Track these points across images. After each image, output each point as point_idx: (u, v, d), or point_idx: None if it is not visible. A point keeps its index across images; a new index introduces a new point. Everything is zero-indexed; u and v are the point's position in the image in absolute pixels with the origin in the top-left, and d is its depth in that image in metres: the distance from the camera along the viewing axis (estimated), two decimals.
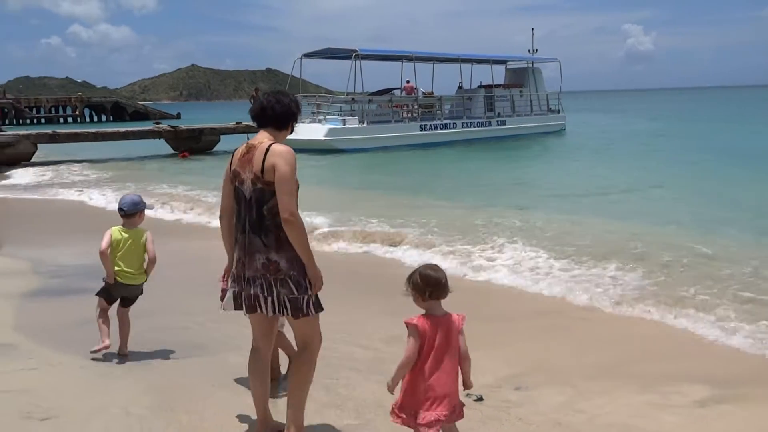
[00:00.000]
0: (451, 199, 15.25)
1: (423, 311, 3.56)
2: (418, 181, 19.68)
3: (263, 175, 3.76)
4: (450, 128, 32.73)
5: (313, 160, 24.79)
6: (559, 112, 39.82)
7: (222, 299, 4.21)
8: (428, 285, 3.51)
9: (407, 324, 3.51)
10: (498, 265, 8.73)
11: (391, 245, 10.14)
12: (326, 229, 11.08)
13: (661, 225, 11.36)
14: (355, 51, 30.56)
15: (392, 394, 3.58)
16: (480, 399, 4.73)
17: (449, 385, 3.50)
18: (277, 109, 3.94)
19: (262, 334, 4.04)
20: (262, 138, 3.90)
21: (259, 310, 3.87)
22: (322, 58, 33.74)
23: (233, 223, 3.97)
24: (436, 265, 3.72)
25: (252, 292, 3.84)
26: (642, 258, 8.71)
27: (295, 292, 3.80)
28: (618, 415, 4.58)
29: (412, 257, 9.32)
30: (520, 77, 38.46)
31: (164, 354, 5.69)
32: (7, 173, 22.36)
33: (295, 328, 3.96)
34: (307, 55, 32.36)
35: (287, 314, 3.84)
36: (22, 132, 26.86)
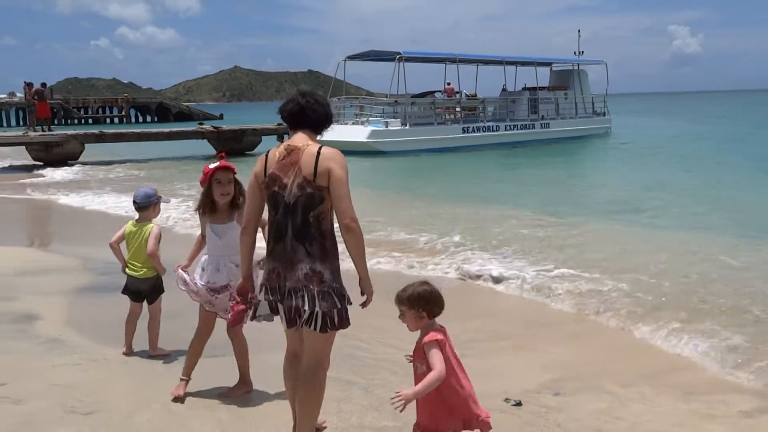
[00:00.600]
0: (492, 205, 14.73)
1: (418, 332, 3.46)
2: (459, 186, 19.05)
3: (315, 179, 3.55)
4: (493, 131, 32.51)
5: (354, 161, 24.55)
6: (604, 114, 39.35)
7: (240, 318, 4.20)
8: (435, 303, 3.43)
9: (431, 342, 3.34)
10: (532, 272, 8.53)
11: (426, 255, 9.86)
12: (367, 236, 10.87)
13: (699, 234, 11.10)
14: (398, 53, 30.64)
15: (401, 411, 3.31)
16: (519, 404, 4.69)
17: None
18: (318, 111, 3.78)
19: (300, 344, 3.80)
20: (303, 140, 3.69)
21: (299, 324, 3.64)
22: (366, 60, 33.89)
23: (255, 232, 3.81)
24: (427, 281, 3.61)
25: (294, 304, 3.60)
26: (679, 270, 8.53)
27: (338, 305, 3.59)
28: (660, 423, 4.50)
29: (443, 269, 9.14)
30: (565, 79, 38.08)
31: (205, 352, 5.76)
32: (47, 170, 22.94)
33: (312, 344, 3.68)
34: (351, 58, 32.55)
35: (317, 328, 3.59)
36: (71, 132, 27.51)
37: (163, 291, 5.74)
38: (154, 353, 5.67)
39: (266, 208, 3.79)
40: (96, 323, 6.61)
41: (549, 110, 35.68)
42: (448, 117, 32.41)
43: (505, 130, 33.12)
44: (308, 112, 3.76)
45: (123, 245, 5.71)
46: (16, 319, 6.72)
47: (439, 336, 3.37)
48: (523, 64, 37.08)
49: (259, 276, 3.90)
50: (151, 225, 5.66)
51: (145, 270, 5.62)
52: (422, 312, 3.41)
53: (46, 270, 8.98)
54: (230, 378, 5.02)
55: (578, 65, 38.43)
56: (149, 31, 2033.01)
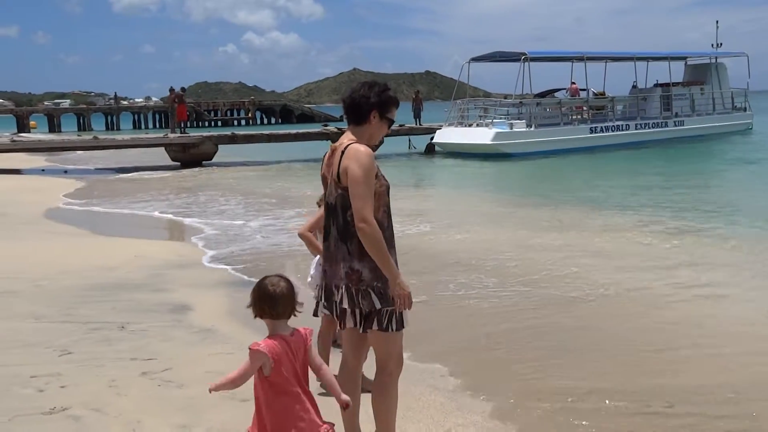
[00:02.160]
0: (627, 216, 13.18)
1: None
2: (586, 193, 17.04)
3: (339, 179, 3.48)
4: (622, 130, 31.31)
5: (476, 164, 24.77)
6: (745, 110, 37.12)
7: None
8: (264, 301, 3.03)
9: (251, 350, 2.96)
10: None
11: None
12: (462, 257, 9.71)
13: None
14: (524, 54, 30.19)
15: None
16: None
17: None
18: (347, 102, 3.62)
19: (351, 347, 3.75)
20: (345, 137, 3.59)
21: (345, 323, 3.60)
22: (491, 61, 33.52)
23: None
24: (280, 276, 3.12)
25: (338, 302, 3.57)
26: None
27: (378, 305, 3.46)
28: None
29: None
30: (702, 74, 36.21)
31: None
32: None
33: (375, 344, 3.62)
34: (476, 59, 32.36)
35: (362, 328, 3.54)
36: (205, 134, 29.05)
37: None
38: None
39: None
40: (245, 314, 7.00)
41: (683, 107, 34.03)
42: (574, 117, 31.61)
43: (636, 129, 31.85)
44: (345, 104, 3.65)
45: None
46: (172, 309, 7.25)
47: (262, 345, 2.97)
48: (655, 59, 35.55)
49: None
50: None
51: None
52: (256, 309, 3.05)
53: (194, 264, 9.62)
54: None
55: (716, 58, 36.48)
56: (274, 36, 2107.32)
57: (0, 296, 7.59)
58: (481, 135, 27.38)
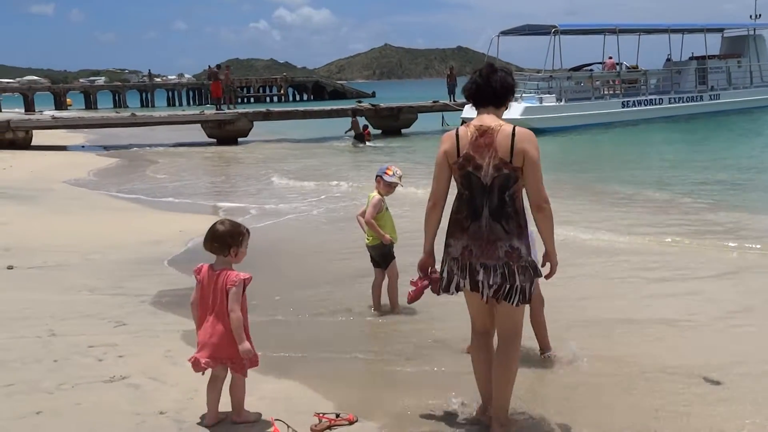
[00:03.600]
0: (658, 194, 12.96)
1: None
2: (617, 171, 16.52)
3: (512, 160, 3.64)
4: (655, 104, 30.91)
5: None
6: None
7: (421, 293, 4.18)
8: (206, 235, 3.95)
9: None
10: None
11: None
12: None
13: None
14: (554, 27, 29.77)
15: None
16: None
17: (214, 335, 3.87)
18: (495, 86, 3.78)
19: (490, 319, 3.92)
20: (493, 120, 3.75)
21: (498, 298, 3.73)
22: (520, 35, 33.16)
23: (442, 210, 3.86)
24: (225, 220, 4.03)
25: (491, 280, 3.69)
26: None
27: (533, 277, 3.75)
28: None
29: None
30: (739, 46, 35.40)
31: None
32: None
33: (509, 318, 3.81)
34: (505, 33, 32.01)
35: (515, 302, 3.72)
36: (241, 110, 29.24)
37: (393, 258, 6.17)
38: (394, 311, 6.18)
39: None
40: (284, 283, 7.17)
41: (719, 80, 33.41)
42: (606, 91, 31.19)
43: (669, 103, 31.39)
44: (487, 89, 3.80)
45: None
46: None
47: (199, 266, 4.04)
48: (691, 31, 34.87)
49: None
50: (373, 194, 6.13)
51: (371, 238, 6.14)
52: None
53: None
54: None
55: (754, 30, 35.61)
56: (305, 12, 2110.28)
57: (54, 269, 7.86)
58: (510, 110, 26.88)
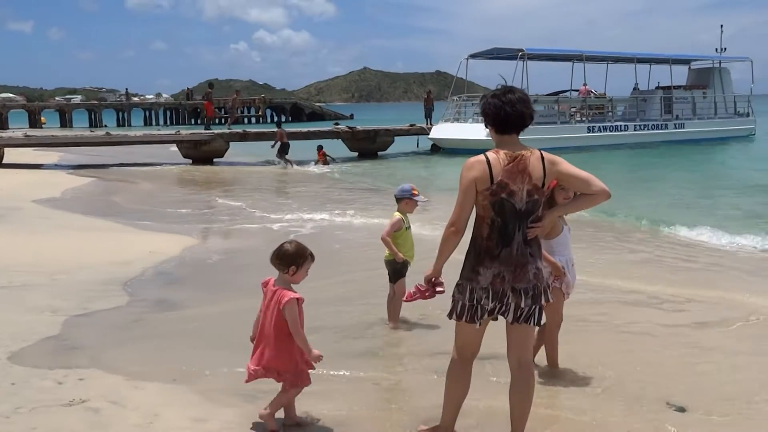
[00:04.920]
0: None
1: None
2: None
3: (544, 185, 3.79)
4: (621, 131, 31.49)
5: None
6: (748, 115, 37.06)
7: (411, 298, 4.28)
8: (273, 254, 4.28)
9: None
10: None
11: None
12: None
13: None
14: (521, 50, 30.18)
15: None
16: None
17: (267, 346, 4.18)
18: (523, 113, 3.85)
19: (476, 345, 3.99)
20: (521, 146, 3.86)
21: (523, 321, 3.82)
22: (488, 58, 33.61)
23: (463, 234, 3.85)
24: (293, 241, 4.39)
25: (523, 303, 3.78)
26: None
27: (551, 298, 3.97)
28: None
29: None
30: (705, 78, 36.30)
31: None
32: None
33: (527, 339, 3.93)
34: (473, 56, 32.51)
35: (539, 321, 3.88)
36: (217, 131, 29.16)
37: (402, 275, 6.35)
38: (392, 326, 6.38)
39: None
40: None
41: (684, 110, 34.18)
42: (572, 116, 31.68)
43: (635, 130, 32.01)
44: (523, 120, 3.87)
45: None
46: (185, 304, 7.36)
47: (265, 280, 4.36)
48: (657, 62, 35.61)
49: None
50: (395, 214, 6.37)
51: (388, 253, 6.36)
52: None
53: (199, 260, 9.76)
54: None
55: (720, 63, 36.44)
56: (285, 35, 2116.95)
57: (18, 289, 7.80)
58: (476, 132, 26.90)
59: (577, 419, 4.60)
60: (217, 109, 73.87)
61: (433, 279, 4.04)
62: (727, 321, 6.79)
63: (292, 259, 4.25)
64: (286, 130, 27.64)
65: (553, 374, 5.31)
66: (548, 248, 5.05)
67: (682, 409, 4.72)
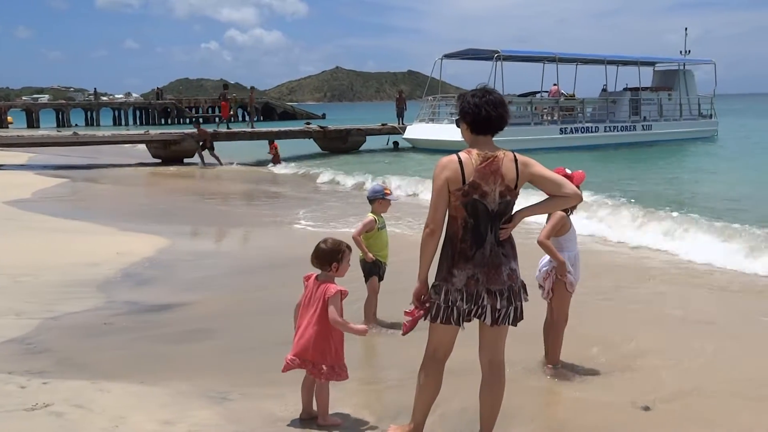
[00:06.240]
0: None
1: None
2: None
3: (516, 187, 3.78)
4: (591, 132, 31.83)
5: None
6: (711, 117, 37.68)
7: (410, 329, 4.01)
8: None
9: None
10: None
11: None
12: None
13: None
14: (497, 52, 30.34)
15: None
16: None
17: (304, 337, 4.26)
18: (501, 115, 3.85)
19: (450, 345, 3.96)
20: (494, 147, 3.84)
21: (500, 322, 3.82)
22: (463, 58, 33.77)
23: (438, 239, 3.81)
24: (328, 239, 4.45)
25: (498, 305, 3.77)
26: None
27: (526, 298, 3.94)
28: None
29: None
30: (670, 80, 36.75)
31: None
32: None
33: (500, 340, 3.91)
34: (448, 56, 32.54)
35: (512, 322, 3.86)
36: (187, 131, 28.87)
37: (373, 275, 6.40)
38: (368, 323, 6.30)
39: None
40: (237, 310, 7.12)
41: (651, 111, 34.61)
42: (545, 117, 31.94)
43: (605, 131, 32.36)
44: (500, 122, 3.87)
45: None
46: (154, 308, 7.28)
47: (308, 274, 4.44)
48: (625, 63, 36.02)
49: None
50: (369, 215, 6.43)
51: (361, 253, 6.35)
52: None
53: (172, 261, 9.66)
54: None
55: (684, 65, 37.00)
56: (257, 34, 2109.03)
57: None
58: (450, 132, 27.16)
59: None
60: (187, 109, 73.66)
61: (422, 297, 3.90)
62: None
63: (331, 256, 4.36)
64: (259, 129, 27.53)
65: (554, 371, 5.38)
66: (557, 245, 5.23)
67: None
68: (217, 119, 71.14)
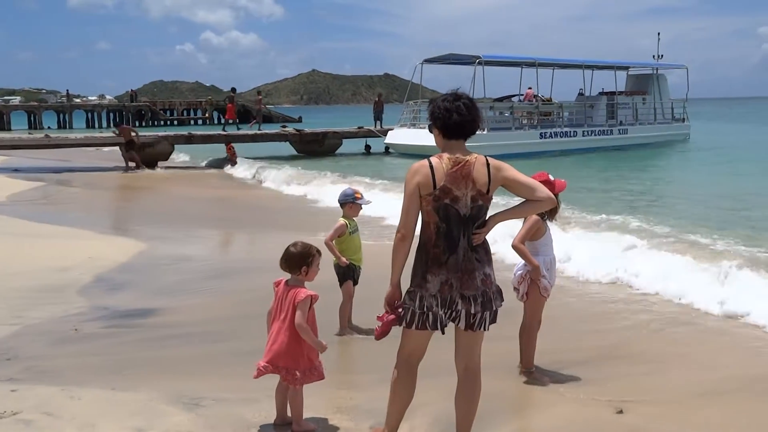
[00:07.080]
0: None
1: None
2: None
3: (489, 191, 3.77)
4: (570, 136, 32.05)
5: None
6: (683, 120, 38.32)
7: (382, 333, 3.95)
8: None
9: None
10: None
11: None
12: None
13: None
14: (478, 57, 30.46)
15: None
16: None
17: (276, 343, 4.22)
18: (474, 119, 3.87)
19: (423, 350, 3.96)
20: (466, 151, 3.84)
21: (475, 327, 3.81)
22: (444, 63, 33.82)
23: (410, 244, 3.81)
24: (297, 242, 4.39)
25: (473, 310, 3.76)
26: None
27: (502, 301, 3.90)
28: None
29: None
30: (644, 84, 37.28)
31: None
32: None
33: (476, 345, 3.91)
34: (429, 61, 32.58)
35: (486, 327, 3.85)
36: (161, 133, 28.61)
37: (347, 278, 6.40)
38: (339, 332, 6.38)
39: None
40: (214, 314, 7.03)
41: (627, 116, 35.03)
42: (525, 122, 32.13)
43: (583, 135, 32.61)
44: (472, 125, 3.87)
45: None
46: (127, 313, 7.18)
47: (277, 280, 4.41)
48: (601, 68, 36.37)
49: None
50: (340, 219, 6.41)
51: (335, 258, 6.34)
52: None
53: (146, 266, 9.55)
54: None
55: (657, 69, 37.52)
56: (233, 36, 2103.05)
57: None
58: (431, 137, 27.26)
59: None
60: (162, 111, 73.11)
61: (395, 302, 3.89)
62: None
63: (300, 259, 4.32)
64: (234, 132, 27.32)
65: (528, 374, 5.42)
66: (533, 249, 5.25)
67: None
68: (193, 121, 71.24)
